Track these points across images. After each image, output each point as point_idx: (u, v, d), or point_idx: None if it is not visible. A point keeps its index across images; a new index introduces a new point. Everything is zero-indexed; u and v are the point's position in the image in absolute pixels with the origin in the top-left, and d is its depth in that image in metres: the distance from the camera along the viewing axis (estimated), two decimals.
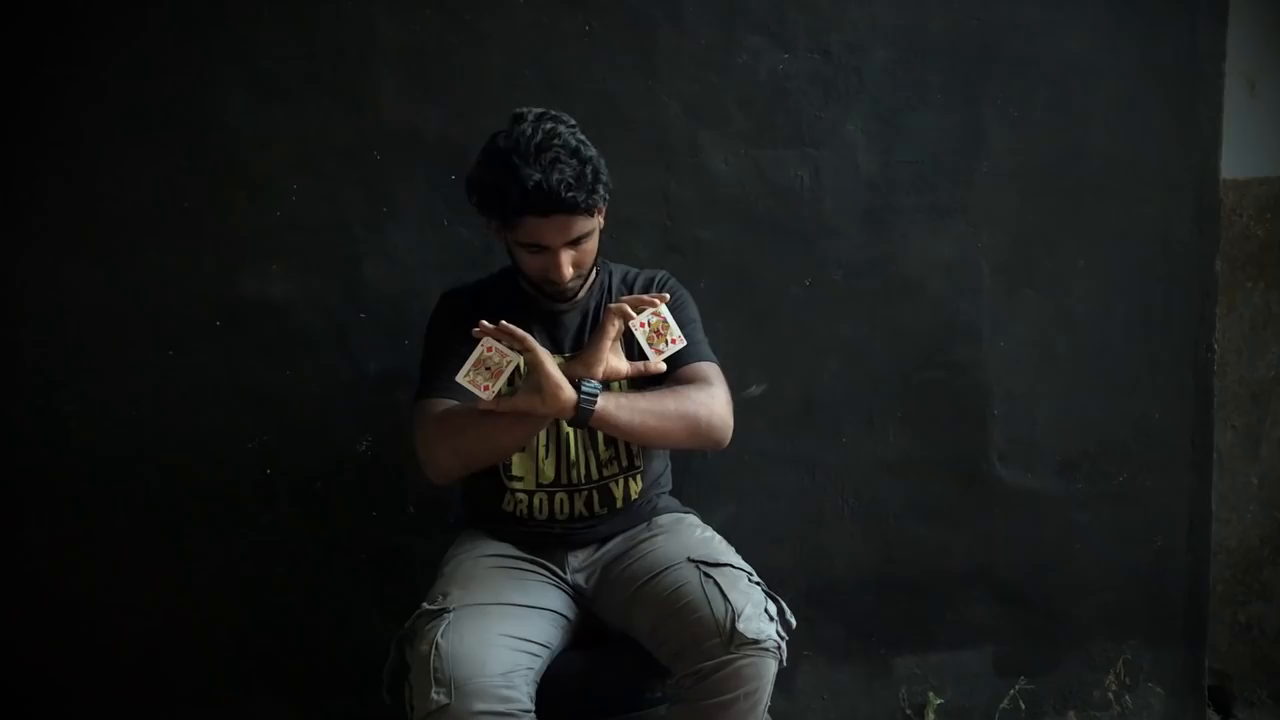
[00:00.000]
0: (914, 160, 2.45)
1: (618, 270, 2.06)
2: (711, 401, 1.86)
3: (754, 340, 2.41)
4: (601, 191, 1.79)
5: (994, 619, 2.60)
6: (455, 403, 1.83)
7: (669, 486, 2.12)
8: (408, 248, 2.28)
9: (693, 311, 2.01)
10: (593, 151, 1.78)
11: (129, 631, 2.29)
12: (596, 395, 1.75)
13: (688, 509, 2.08)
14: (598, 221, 1.86)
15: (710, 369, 1.93)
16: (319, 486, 2.31)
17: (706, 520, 2.06)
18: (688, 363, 1.91)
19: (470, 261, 2.25)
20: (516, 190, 1.71)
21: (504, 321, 1.71)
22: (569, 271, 1.82)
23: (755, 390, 2.41)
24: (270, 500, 2.30)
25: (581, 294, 1.96)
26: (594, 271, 1.97)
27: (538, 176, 1.71)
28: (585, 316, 1.98)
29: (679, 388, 1.86)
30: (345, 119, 2.24)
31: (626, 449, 1.98)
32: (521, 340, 1.70)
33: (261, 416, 2.27)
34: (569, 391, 1.73)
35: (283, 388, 2.27)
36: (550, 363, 1.71)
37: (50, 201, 2.17)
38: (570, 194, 1.73)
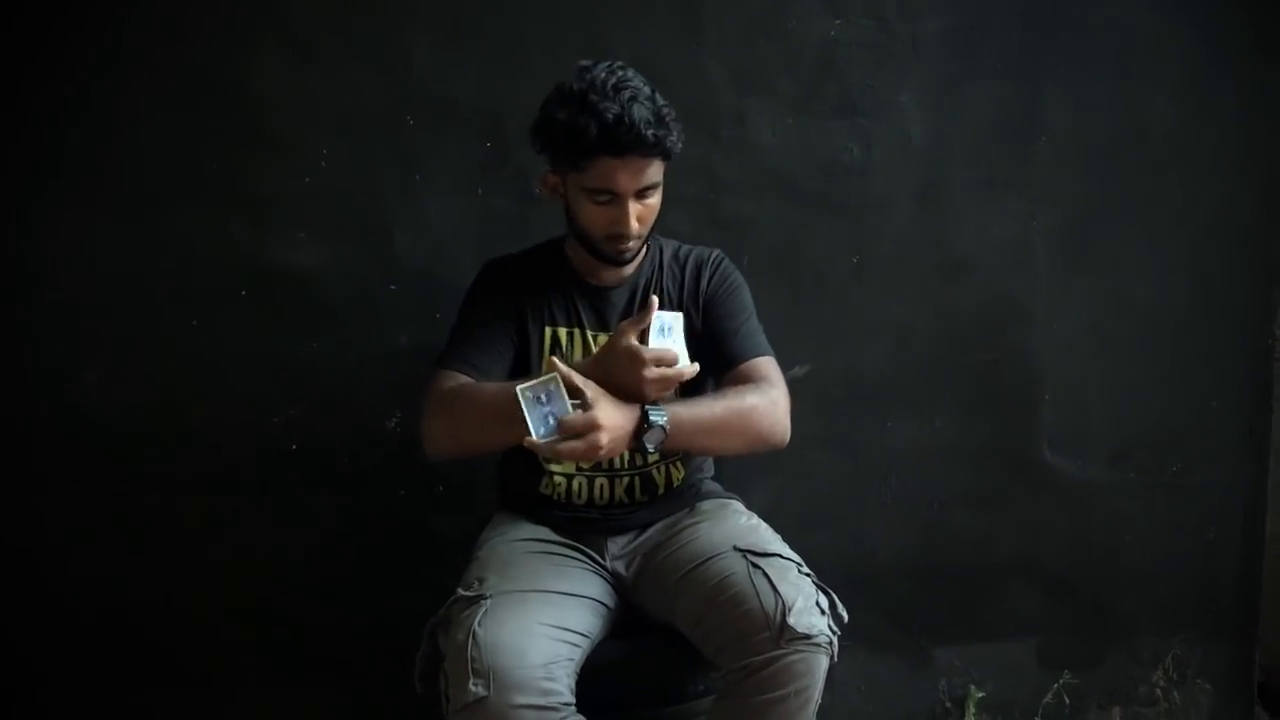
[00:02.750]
0: (969, 134, 2.35)
1: (668, 246, 1.96)
2: (772, 407, 1.76)
3: (798, 319, 2.33)
4: (677, 136, 1.72)
5: (1039, 611, 2.52)
6: (467, 379, 1.75)
7: (711, 471, 2.03)
8: (441, 217, 2.19)
9: (746, 299, 1.92)
10: (665, 100, 1.72)
11: (146, 610, 2.21)
12: (664, 427, 1.64)
13: (731, 494, 1.99)
14: (662, 177, 1.78)
15: (768, 365, 1.84)
16: (346, 463, 2.22)
17: (746, 505, 1.98)
18: (745, 358, 1.83)
19: (506, 232, 2.16)
20: (595, 125, 1.64)
21: (570, 372, 1.60)
22: (634, 225, 1.74)
23: (798, 371, 2.32)
24: (295, 477, 2.21)
25: (631, 269, 1.88)
26: (645, 245, 1.88)
27: (617, 109, 1.64)
28: (634, 293, 1.89)
29: (738, 392, 1.75)
30: (378, 82, 2.15)
31: None
32: (579, 393, 1.59)
33: (288, 389, 2.19)
34: (627, 428, 1.62)
35: (310, 360, 2.18)
36: (610, 409, 1.60)
37: (70, 165, 2.09)
38: (650, 131, 1.66)
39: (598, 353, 1.71)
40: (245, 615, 2.24)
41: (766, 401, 1.75)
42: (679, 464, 1.91)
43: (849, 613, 2.27)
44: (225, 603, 2.23)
